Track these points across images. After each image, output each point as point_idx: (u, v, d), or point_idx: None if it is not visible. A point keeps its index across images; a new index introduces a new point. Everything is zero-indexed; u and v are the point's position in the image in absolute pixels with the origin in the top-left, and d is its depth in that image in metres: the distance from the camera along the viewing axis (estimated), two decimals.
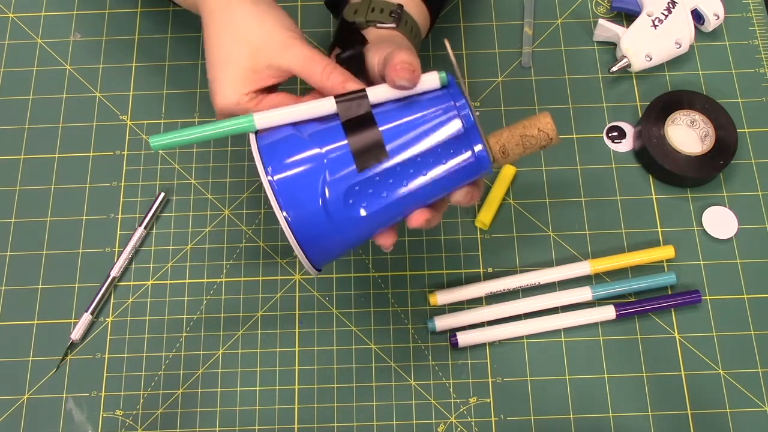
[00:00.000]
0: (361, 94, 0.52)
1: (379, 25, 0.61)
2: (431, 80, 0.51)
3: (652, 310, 0.66)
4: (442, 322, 0.65)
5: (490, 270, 0.68)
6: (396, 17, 0.61)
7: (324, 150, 0.51)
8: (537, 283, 0.67)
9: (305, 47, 0.55)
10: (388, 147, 0.51)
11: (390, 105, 0.52)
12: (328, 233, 0.52)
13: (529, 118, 0.53)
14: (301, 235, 0.51)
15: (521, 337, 0.66)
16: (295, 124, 0.52)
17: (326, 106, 0.52)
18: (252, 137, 0.52)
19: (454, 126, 0.51)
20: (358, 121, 0.51)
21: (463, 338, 0.65)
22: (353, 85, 0.52)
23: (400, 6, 0.61)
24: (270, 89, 0.56)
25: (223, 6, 0.57)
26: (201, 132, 0.52)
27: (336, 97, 0.52)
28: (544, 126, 0.53)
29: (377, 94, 0.52)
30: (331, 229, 0.51)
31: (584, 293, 0.66)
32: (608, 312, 0.65)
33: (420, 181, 0.51)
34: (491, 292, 0.66)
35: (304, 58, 0.54)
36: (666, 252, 0.67)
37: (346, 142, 0.51)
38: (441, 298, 0.66)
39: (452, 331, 0.65)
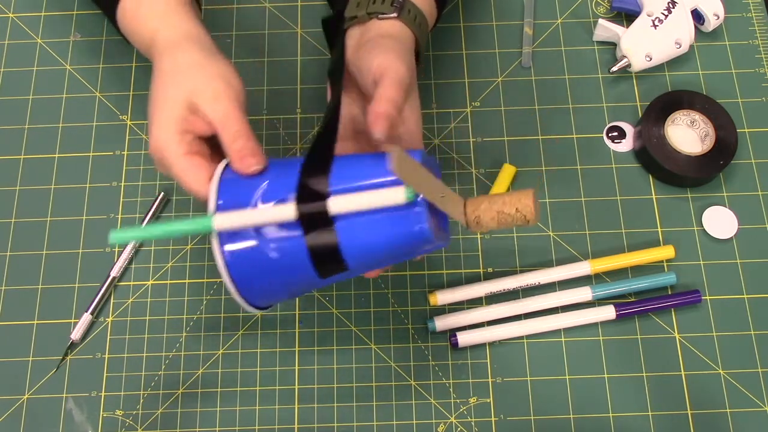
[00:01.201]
0: (321, 208, 0.50)
1: (380, 16, 0.59)
2: (396, 196, 0.49)
3: (652, 310, 0.66)
4: (442, 322, 0.65)
5: (490, 270, 0.68)
6: (397, 7, 0.59)
7: (289, 271, 0.52)
8: (537, 283, 0.67)
9: (233, 105, 0.55)
10: (349, 263, 0.51)
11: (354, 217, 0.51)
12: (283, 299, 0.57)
13: (513, 193, 0.51)
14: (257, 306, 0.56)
15: (521, 337, 0.66)
16: (257, 230, 0.51)
17: (287, 213, 0.50)
18: (216, 246, 0.51)
19: (415, 243, 0.51)
20: (323, 248, 0.51)
21: (463, 338, 0.65)
22: (253, 159, 0.52)
23: None
24: (207, 141, 0.56)
25: (170, 50, 0.58)
26: (159, 231, 0.52)
27: (298, 207, 0.50)
28: (524, 208, 0.51)
29: (338, 207, 0.50)
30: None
31: (584, 293, 0.66)
32: (608, 312, 0.65)
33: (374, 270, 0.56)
34: (491, 292, 0.66)
35: (223, 115, 0.54)
36: (666, 252, 0.67)
37: (310, 266, 0.51)
38: (441, 298, 0.66)
39: (452, 331, 0.65)
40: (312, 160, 0.52)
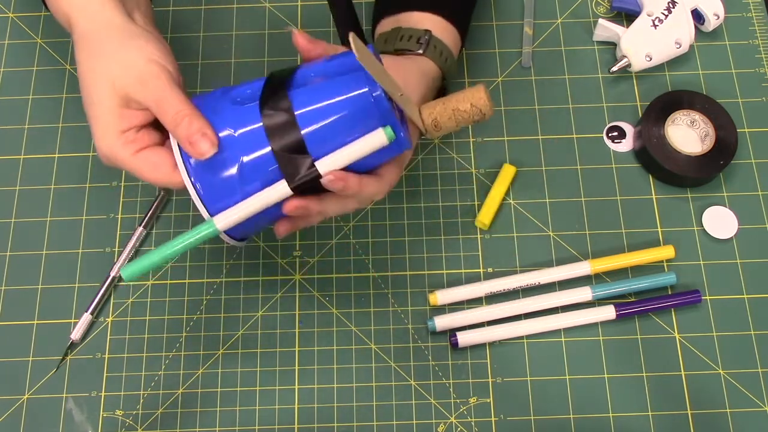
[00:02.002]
0: (314, 174, 0.50)
1: (407, 52, 0.61)
2: (379, 139, 0.50)
3: (652, 310, 0.66)
4: (442, 322, 0.65)
5: (490, 270, 0.68)
6: (423, 44, 0.61)
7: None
8: (537, 283, 0.67)
9: (163, 84, 0.51)
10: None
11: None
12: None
13: (465, 91, 0.53)
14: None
15: (521, 337, 0.66)
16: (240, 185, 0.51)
17: (283, 192, 0.51)
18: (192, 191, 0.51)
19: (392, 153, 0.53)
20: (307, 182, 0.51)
21: (463, 338, 0.65)
22: (205, 144, 0.49)
23: (428, 32, 0.62)
24: (149, 126, 0.53)
25: (90, 34, 0.53)
26: (168, 251, 0.51)
27: (291, 182, 0.50)
28: (477, 101, 0.53)
29: (327, 167, 0.50)
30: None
31: (584, 293, 0.66)
32: (608, 312, 0.65)
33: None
34: (491, 292, 0.66)
35: (156, 98, 0.50)
36: (666, 252, 0.67)
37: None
38: (441, 298, 0.66)
39: (452, 331, 0.65)
40: (268, 89, 0.52)
